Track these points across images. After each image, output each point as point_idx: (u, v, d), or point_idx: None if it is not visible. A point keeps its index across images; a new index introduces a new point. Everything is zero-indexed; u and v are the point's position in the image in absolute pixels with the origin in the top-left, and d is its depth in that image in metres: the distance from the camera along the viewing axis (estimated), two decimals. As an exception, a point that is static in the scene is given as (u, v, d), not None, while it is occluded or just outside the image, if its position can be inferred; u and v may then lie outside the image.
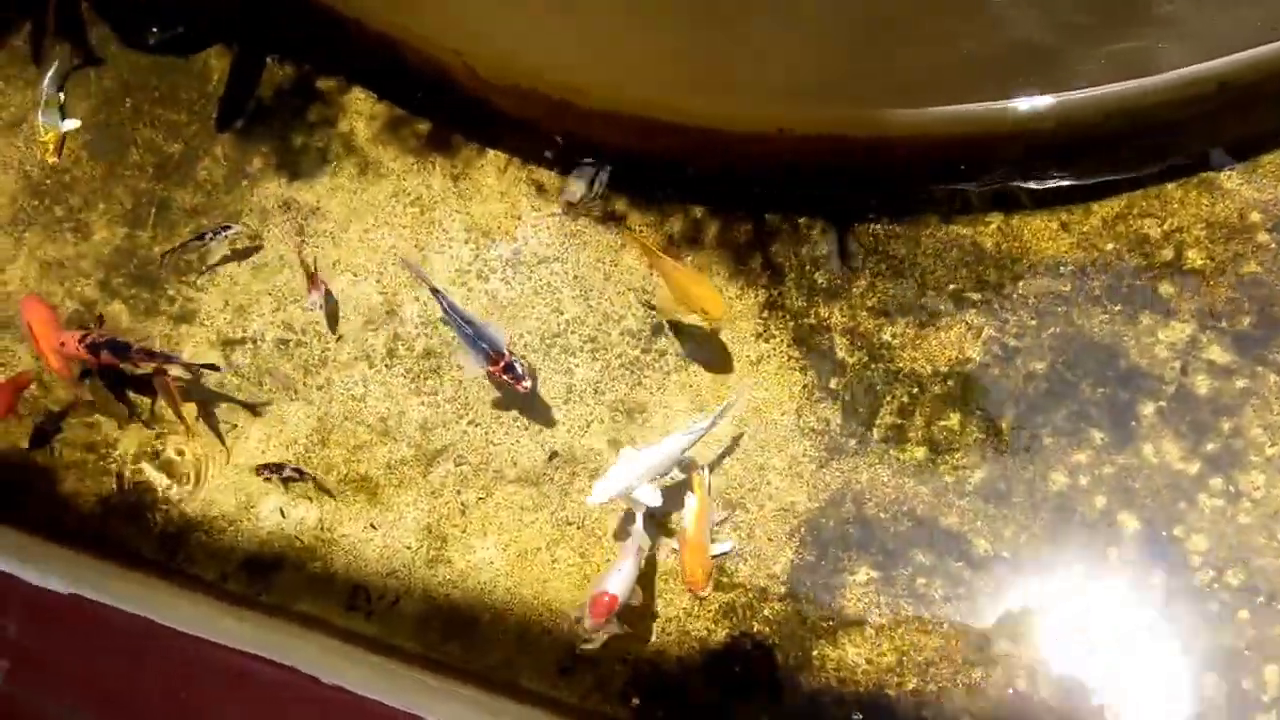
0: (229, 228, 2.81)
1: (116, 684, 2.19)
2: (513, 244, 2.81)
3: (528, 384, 2.52)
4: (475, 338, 2.53)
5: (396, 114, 2.94)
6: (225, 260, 2.87)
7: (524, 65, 2.68)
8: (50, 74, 2.97)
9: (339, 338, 2.79)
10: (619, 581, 2.37)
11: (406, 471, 2.67)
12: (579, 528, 2.59)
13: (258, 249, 2.89)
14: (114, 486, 2.74)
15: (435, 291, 2.61)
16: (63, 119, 2.95)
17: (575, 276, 2.77)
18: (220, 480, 2.70)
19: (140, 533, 2.72)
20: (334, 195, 2.90)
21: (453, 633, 2.55)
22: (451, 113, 2.91)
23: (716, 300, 2.52)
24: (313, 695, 2.16)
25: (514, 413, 2.68)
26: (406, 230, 2.86)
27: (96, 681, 2.19)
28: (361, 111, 2.99)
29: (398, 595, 2.60)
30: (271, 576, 2.64)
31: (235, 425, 2.76)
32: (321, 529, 2.67)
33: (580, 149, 2.82)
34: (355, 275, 2.85)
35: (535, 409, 2.67)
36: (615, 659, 2.48)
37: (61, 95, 2.94)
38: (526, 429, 2.67)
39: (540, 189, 2.86)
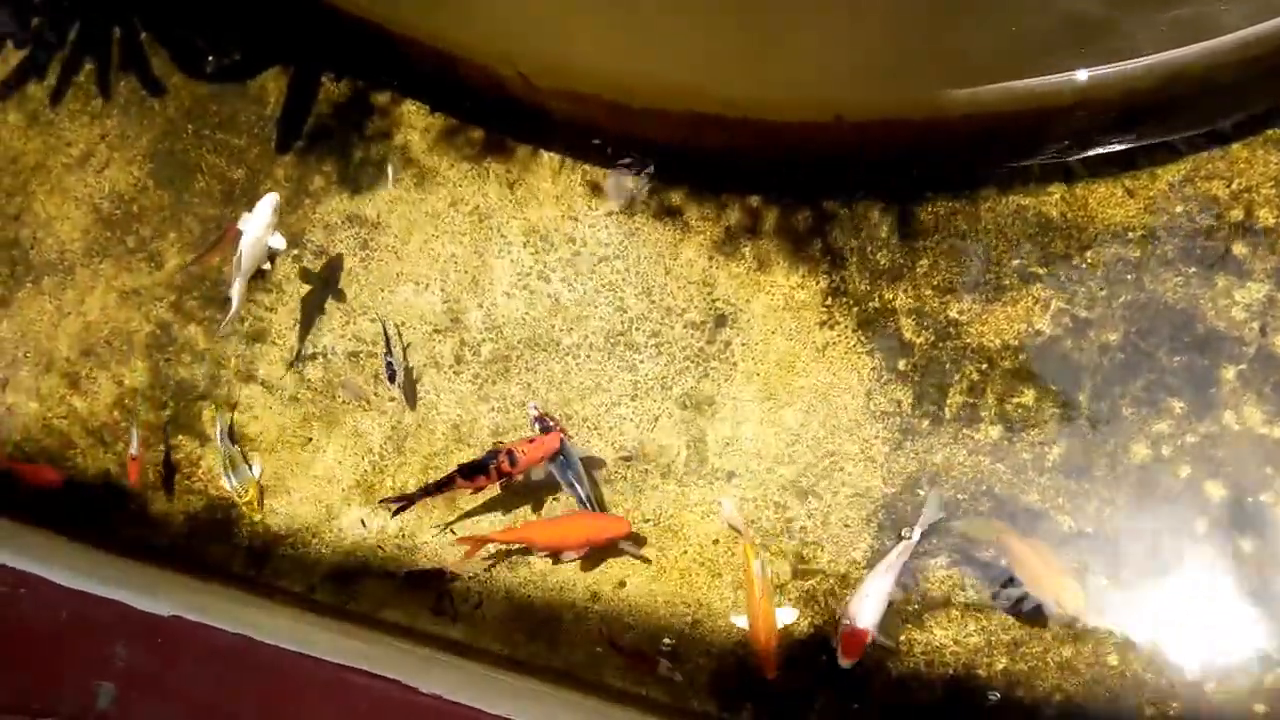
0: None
1: (219, 701, 2.25)
2: (572, 245, 2.86)
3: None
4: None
5: (450, 123, 2.98)
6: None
7: (577, 69, 2.70)
8: (220, 431, 2.81)
9: (407, 346, 2.85)
10: (869, 612, 2.33)
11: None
12: (654, 524, 2.61)
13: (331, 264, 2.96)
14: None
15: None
16: (250, 468, 2.79)
17: (636, 273, 2.79)
18: (301, 493, 2.79)
19: (228, 549, 2.81)
20: (394, 208, 2.96)
21: (536, 633, 2.59)
22: (505, 119, 2.94)
23: (1075, 594, 2.29)
24: (409, 704, 2.20)
25: (583, 413, 2.72)
26: (466, 238, 2.91)
27: (195, 698, 2.26)
28: (415, 124, 3.04)
29: (481, 598, 2.65)
30: (357, 586, 2.71)
31: (310, 439, 2.85)
32: (403, 537, 2.73)
33: (636, 147, 2.84)
34: (418, 285, 2.90)
35: (603, 407, 2.71)
36: (699, 652, 2.52)
37: (236, 448, 2.79)
38: (596, 428, 2.70)
39: (595, 189, 2.88)
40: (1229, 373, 2.44)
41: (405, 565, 2.68)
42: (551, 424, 2.62)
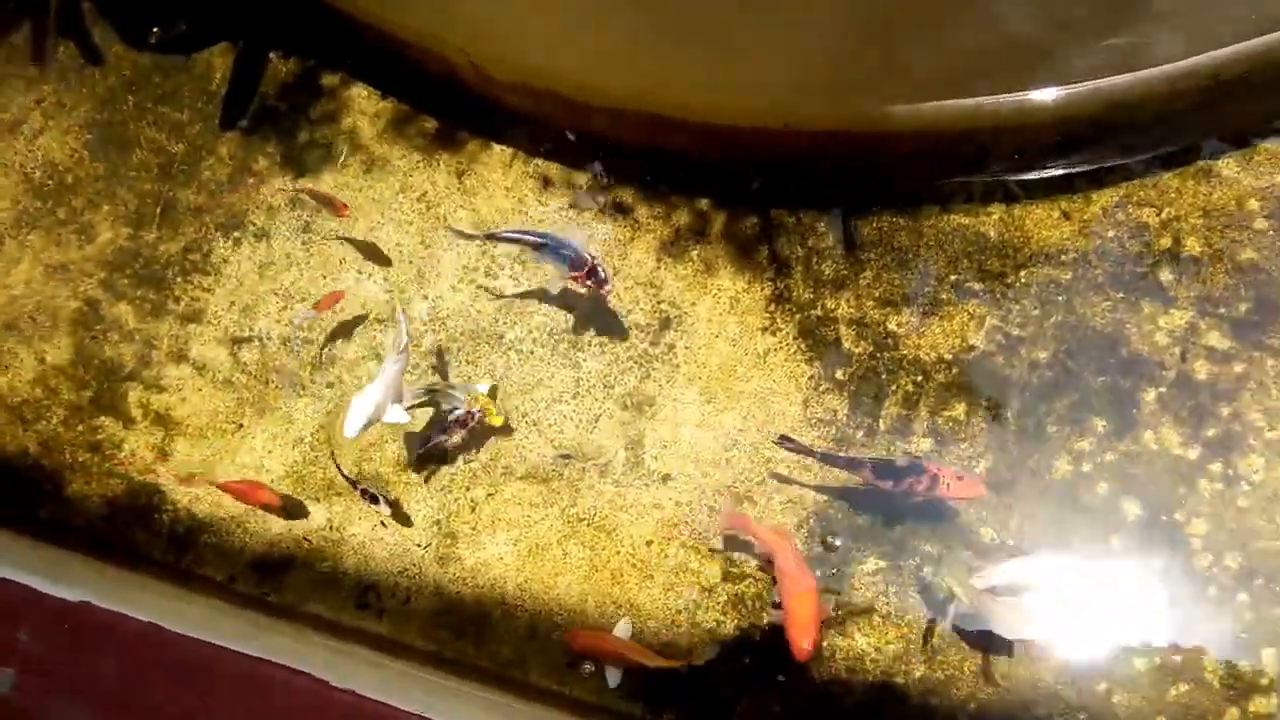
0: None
1: (125, 689, 2.19)
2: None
3: (609, 287, 2.54)
4: (555, 249, 2.55)
5: (401, 110, 2.95)
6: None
7: (531, 62, 2.69)
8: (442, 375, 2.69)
9: (347, 334, 2.80)
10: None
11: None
12: (590, 524, 2.61)
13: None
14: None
15: (491, 236, 2.66)
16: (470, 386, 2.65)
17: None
18: (229, 479, 2.71)
19: (150, 536, 2.73)
20: (340, 193, 2.90)
21: (464, 630, 2.56)
22: (457, 109, 2.92)
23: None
24: (322, 698, 2.16)
25: (522, 408, 2.70)
26: (412, 227, 2.87)
27: (102, 687, 2.19)
28: (365, 109, 3.00)
29: (409, 594, 2.62)
30: (280, 578, 2.65)
31: (241, 425, 2.78)
32: (330, 528, 2.69)
33: (588, 144, 2.85)
34: (361, 272, 2.86)
35: (544, 404, 2.70)
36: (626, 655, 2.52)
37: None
38: (535, 425, 2.68)
39: (547, 183, 2.88)
40: (1150, 395, 2.53)
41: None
42: (602, 270, 2.49)
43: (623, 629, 2.48)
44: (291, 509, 2.63)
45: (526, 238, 2.60)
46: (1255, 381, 2.50)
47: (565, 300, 2.77)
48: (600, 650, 2.45)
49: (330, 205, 2.76)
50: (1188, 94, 2.44)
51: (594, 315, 2.71)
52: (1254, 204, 2.62)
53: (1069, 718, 2.33)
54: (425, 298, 2.81)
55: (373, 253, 2.82)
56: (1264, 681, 2.29)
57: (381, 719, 2.12)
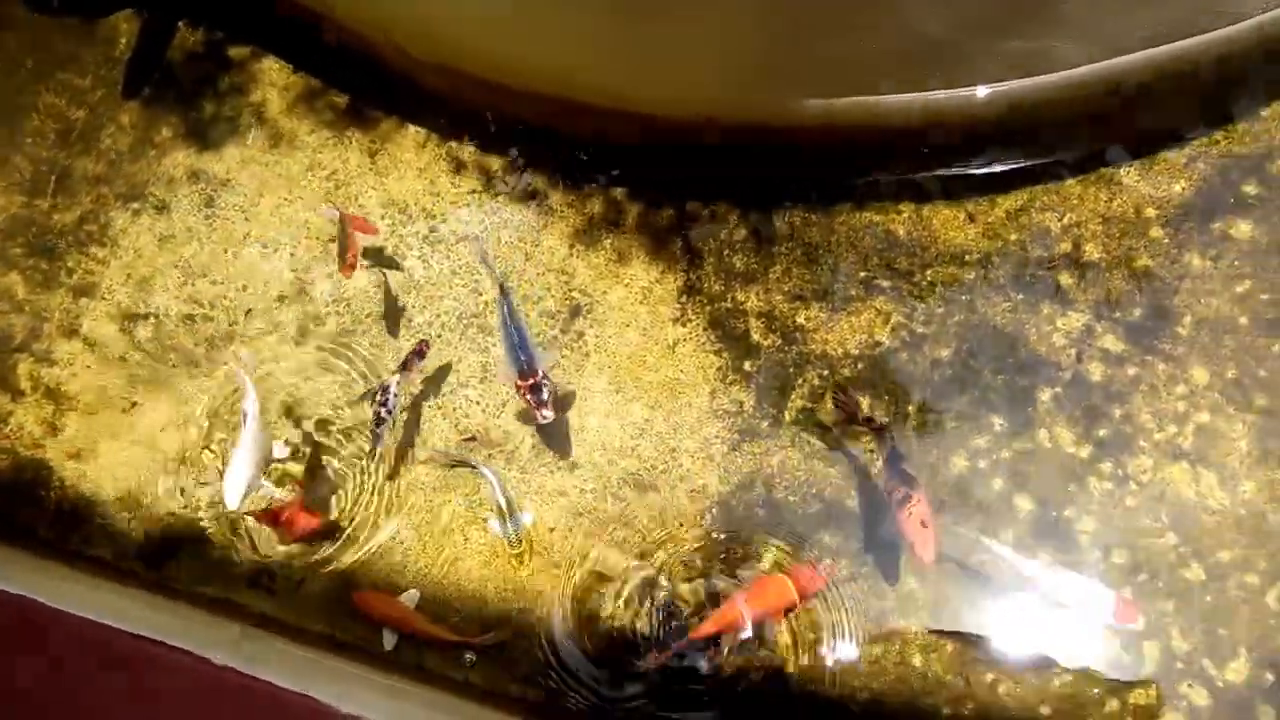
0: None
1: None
2: (431, 221, 2.79)
3: (548, 414, 2.39)
4: (518, 347, 2.42)
5: (312, 85, 2.89)
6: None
7: (451, 43, 2.64)
8: (495, 479, 2.53)
9: (248, 312, 2.71)
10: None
11: (317, 451, 2.63)
12: (494, 509, 2.58)
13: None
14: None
15: (502, 290, 2.51)
16: (523, 515, 2.53)
17: (494, 256, 2.76)
18: (119, 459, 2.63)
19: (36, 512, 2.64)
20: (245, 167, 2.83)
21: (360, 613, 2.52)
22: (370, 86, 2.87)
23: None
24: (203, 676, 2.12)
25: (428, 394, 2.66)
26: (321, 205, 2.81)
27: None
28: (275, 82, 2.92)
29: (304, 575, 2.57)
30: (171, 557, 2.57)
31: (134, 403, 2.69)
32: (222, 508, 2.61)
33: (506, 127, 2.81)
34: (265, 248, 2.79)
35: (450, 389, 2.66)
36: (523, 642, 2.49)
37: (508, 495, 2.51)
38: (440, 409, 2.65)
39: (460, 166, 2.84)
40: (1045, 394, 2.59)
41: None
42: (546, 392, 2.37)
43: (409, 597, 2.48)
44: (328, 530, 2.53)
45: (510, 319, 2.46)
46: (1147, 384, 2.57)
47: (474, 286, 2.75)
48: (384, 615, 2.46)
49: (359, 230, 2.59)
50: (1089, 100, 2.50)
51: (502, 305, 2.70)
52: (1151, 212, 2.69)
53: (957, 707, 2.39)
54: (329, 277, 2.76)
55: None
56: (1144, 674, 2.37)
57: (268, 698, 2.09)
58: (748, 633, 2.36)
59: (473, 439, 2.62)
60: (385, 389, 2.45)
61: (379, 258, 2.74)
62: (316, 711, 2.09)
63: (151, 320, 2.75)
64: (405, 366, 2.49)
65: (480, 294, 2.72)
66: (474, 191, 2.80)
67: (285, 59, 2.91)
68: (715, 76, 2.51)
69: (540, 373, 2.38)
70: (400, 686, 2.40)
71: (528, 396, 2.37)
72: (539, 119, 2.74)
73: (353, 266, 2.51)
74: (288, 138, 2.86)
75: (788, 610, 2.40)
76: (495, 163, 2.80)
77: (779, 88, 2.47)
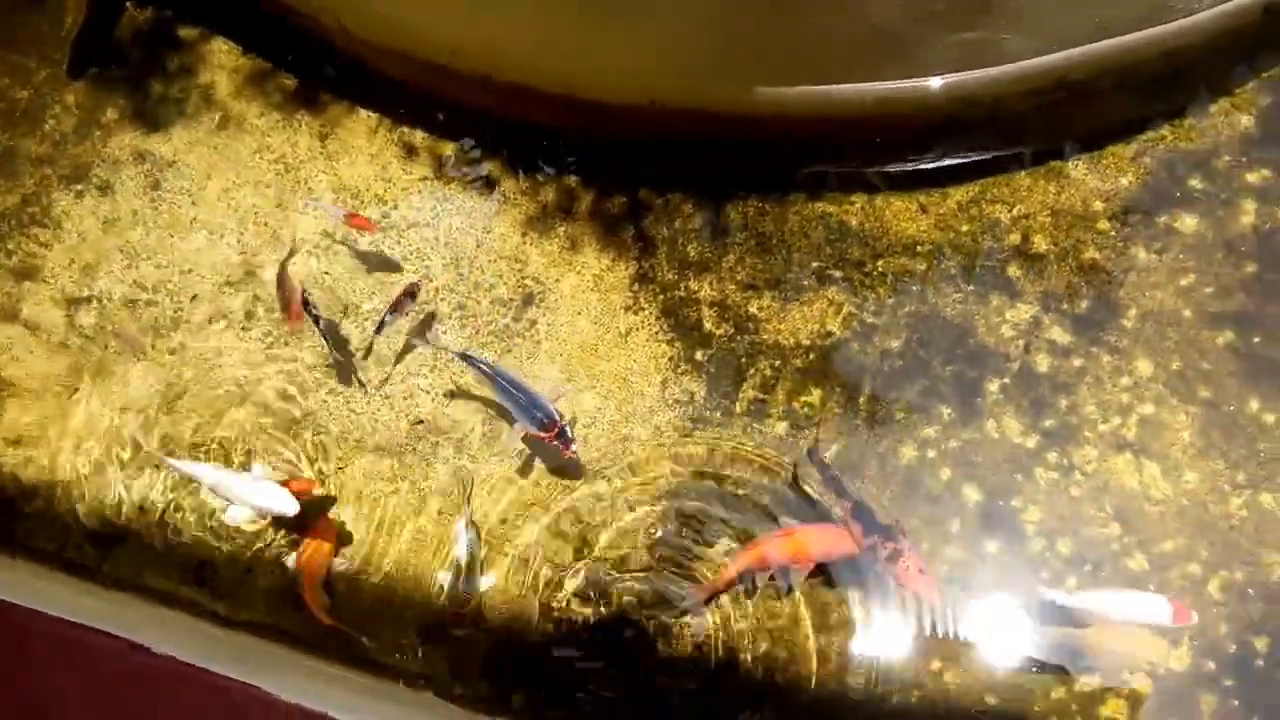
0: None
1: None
2: (382, 207, 2.76)
3: (576, 449, 2.45)
4: (528, 405, 2.42)
5: (261, 67, 2.85)
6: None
7: (399, 27, 2.62)
8: (464, 527, 2.49)
9: (194, 297, 2.68)
10: None
11: (263, 439, 2.60)
12: (442, 497, 2.56)
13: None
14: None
15: (465, 357, 2.48)
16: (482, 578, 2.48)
17: (446, 243, 2.73)
18: (61, 446, 2.58)
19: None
20: (192, 149, 2.79)
21: (302, 604, 2.46)
22: (322, 70, 2.83)
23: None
24: (138, 663, 2.09)
25: (376, 381, 2.64)
26: (270, 190, 2.77)
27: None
28: (224, 64, 2.88)
29: (250, 567, 2.53)
30: (113, 546, 2.53)
31: (75, 389, 2.64)
32: (167, 496, 2.56)
33: (456, 113, 2.78)
34: (212, 233, 2.74)
35: (400, 377, 2.63)
36: (476, 632, 2.47)
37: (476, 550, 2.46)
38: (388, 398, 2.62)
39: (412, 152, 2.81)
40: (994, 385, 2.60)
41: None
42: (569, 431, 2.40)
43: (341, 564, 2.46)
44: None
45: (498, 380, 2.46)
46: (1092, 376, 2.60)
47: (426, 273, 2.72)
48: (303, 566, 2.43)
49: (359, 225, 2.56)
50: (1038, 93, 2.52)
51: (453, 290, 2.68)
52: (1099, 205, 2.72)
53: (905, 694, 2.40)
54: (278, 261, 2.70)
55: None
56: (1088, 663, 2.39)
57: (205, 686, 2.06)
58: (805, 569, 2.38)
59: (420, 422, 2.60)
60: (382, 323, 2.54)
61: (330, 242, 2.72)
62: (258, 700, 2.07)
63: (95, 305, 2.70)
64: (396, 308, 2.53)
65: (431, 279, 2.70)
66: (426, 178, 2.77)
67: (235, 40, 2.87)
68: (665, 63, 2.50)
69: (555, 415, 2.43)
70: (344, 675, 2.38)
71: (555, 443, 2.44)
72: (490, 105, 2.72)
73: (299, 317, 2.48)
74: (236, 120, 2.82)
75: (836, 559, 2.38)
76: (447, 149, 2.77)
77: (731, 76, 2.47)
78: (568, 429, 2.44)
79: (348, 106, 2.82)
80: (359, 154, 2.80)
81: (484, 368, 2.47)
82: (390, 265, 2.69)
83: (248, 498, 2.36)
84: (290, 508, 2.33)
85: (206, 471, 2.39)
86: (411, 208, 2.74)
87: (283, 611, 2.46)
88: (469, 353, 2.52)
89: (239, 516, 2.43)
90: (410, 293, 2.53)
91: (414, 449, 2.57)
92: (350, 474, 2.55)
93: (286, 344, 2.65)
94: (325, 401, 2.60)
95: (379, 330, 2.53)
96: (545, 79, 2.60)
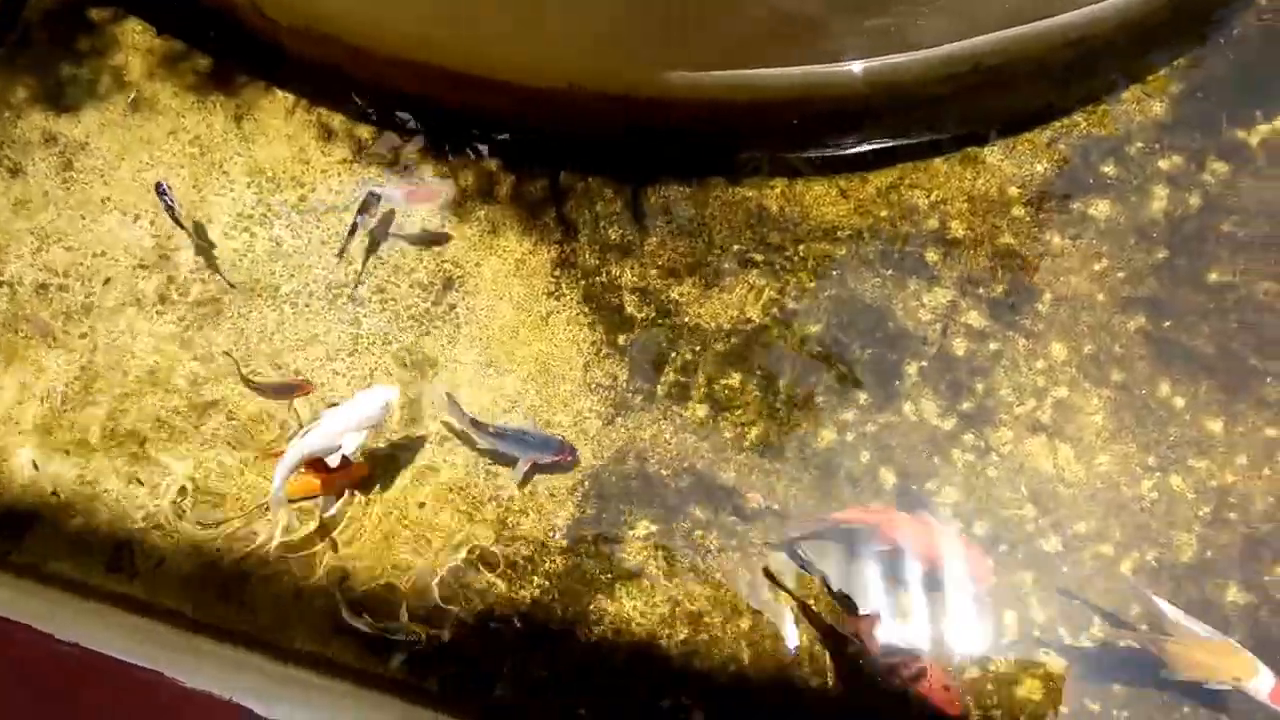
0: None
1: None
2: (300, 189, 2.73)
3: (578, 453, 2.55)
4: (539, 445, 2.49)
5: (175, 48, 2.81)
6: None
7: (314, 7, 2.58)
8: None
9: (106, 281, 2.63)
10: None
11: (176, 425, 2.55)
12: (357, 485, 2.53)
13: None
14: None
15: (476, 424, 2.49)
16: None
17: (365, 226, 2.71)
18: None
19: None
20: (105, 131, 2.74)
21: (224, 594, 2.45)
22: (235, 50, 2.80)
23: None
24: (43, 650, 2.04)
25: (294, 366, 2.60)
26: (185, 171, 2.73)
27: None
28: (137, 45, 2.83)
29: (164, 555, 2.49)
30: (24, 532, 2.48)
31: (-13, 373, 2.58)
32: (82, 483, 2.53)
33: (374, 95, 2.76)
34: (125, 215, 2.70)
35: (319, 361, 2.59)
36: (391, 615, 2.46)
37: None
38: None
39: (330, 134, 2.78)
40: (912, 369, 2.62)
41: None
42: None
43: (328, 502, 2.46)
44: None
45: (509, 436, 2.49)
46: (1008, 359, 2.63)
47: (346, 256, 2.69)
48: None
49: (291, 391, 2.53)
50: (952, 79, 2.54)
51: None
52: (1014, 191, 2.75)
53: (823, 679, 2.40)
54: (193, 244, 2.67)
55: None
56: (1003, 641, 2.42)
57: (113, 674, 2.03)
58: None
59: (334, 405, 2.56)
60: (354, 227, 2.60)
61: (247, 224, 2.68)
62: (179, 693, 2.03)
63: (4, 289, 2.65)
64: (364, 209, 2.59)
65: (350, 263, 2.67)
66: (345, 160, 2.74)
67: (148, 21, 2.82)
68: (583, 46, 2.49)
69: (562, 442, 2.51)
70: (269, 666, 2.35)
71: (569, 459, 2.52)
72: (407, 87, 2.70)
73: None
74: (149, 101, 2.78)
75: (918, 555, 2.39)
76: (366, 131, 2.75)
77: (648, 60, 2.46)
78: (572, 451, 2.55)
79: (264, 87, 2.78)
80: (276, 135, 2.76)
81: (492, 430, 2.49)
82: (309, 249, 2.65)
83: (358, 419, 2.35)
84: (393, 393, 2.41)
85: (314, 438, 2.33)
86: (330, 190, 2.71)
87: (199, 599, 2.42)
88: (476, 418, 2.51)
89: (353, 444, 2.39)
90: (367, 205, 2.58)
91: (331, 434, 2.56)
92: (268, 461, 2.52)
93: (202, 329, 2.62)
94: (239, 386, 2.56)
95: (351, 233, 2.59)
96: (459, 60, 2.58)
